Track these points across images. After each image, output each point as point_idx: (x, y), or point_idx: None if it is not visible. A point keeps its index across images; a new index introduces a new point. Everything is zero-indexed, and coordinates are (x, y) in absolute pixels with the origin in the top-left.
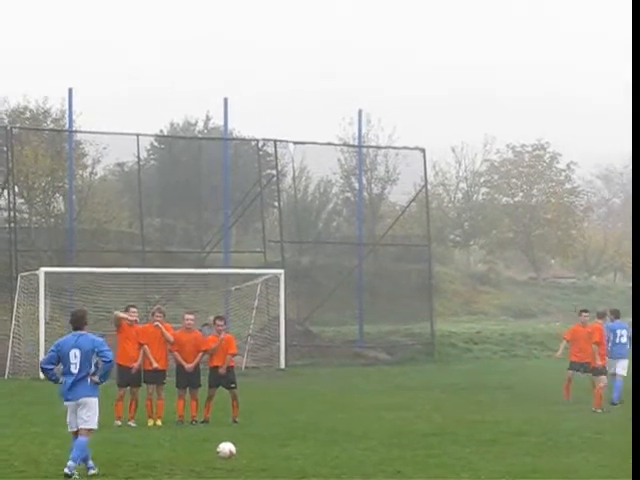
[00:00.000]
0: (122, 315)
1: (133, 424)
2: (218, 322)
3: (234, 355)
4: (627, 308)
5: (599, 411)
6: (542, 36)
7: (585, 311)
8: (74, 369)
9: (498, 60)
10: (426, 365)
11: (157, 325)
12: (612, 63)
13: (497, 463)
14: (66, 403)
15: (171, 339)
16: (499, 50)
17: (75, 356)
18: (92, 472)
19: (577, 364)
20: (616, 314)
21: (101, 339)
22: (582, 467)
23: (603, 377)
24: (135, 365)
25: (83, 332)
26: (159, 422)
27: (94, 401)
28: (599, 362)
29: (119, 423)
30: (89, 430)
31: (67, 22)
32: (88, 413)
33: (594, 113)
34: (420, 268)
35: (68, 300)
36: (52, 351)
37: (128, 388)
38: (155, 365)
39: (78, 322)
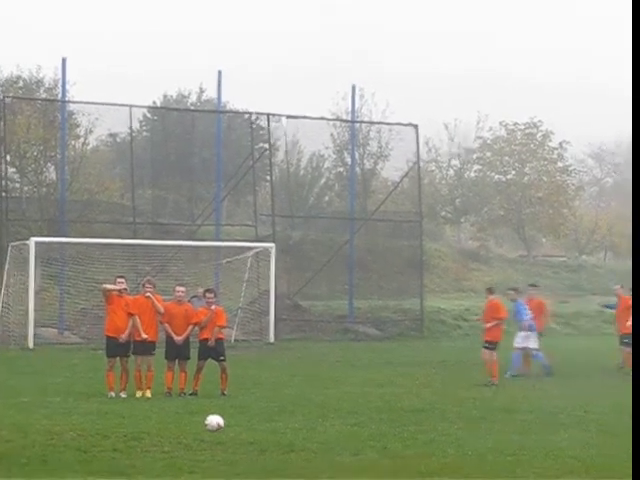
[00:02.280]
0: (108, 287)
1: (124, 395)
2: (208, 295)
3: (223, 327)
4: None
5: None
6: (536, 17)
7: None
8: None
9: (494, 38)
10: (415, 341)
11: (148, 296)
12: (605, 43)
13: (485, 440)
14: None
15: (161, 310)
16: (494, 27)
17: None
18: None
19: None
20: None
21: None
22: (568, 445)
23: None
24: (123, 336)
25: None
26: (148, 393)
27: None
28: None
29: (112, 394)
30: None
31: None
32: None
33: (587, 92)
34: (411, 244)
35: (58, 270)
36: None
37: (117, 359)
38: (144, 336)
39: None
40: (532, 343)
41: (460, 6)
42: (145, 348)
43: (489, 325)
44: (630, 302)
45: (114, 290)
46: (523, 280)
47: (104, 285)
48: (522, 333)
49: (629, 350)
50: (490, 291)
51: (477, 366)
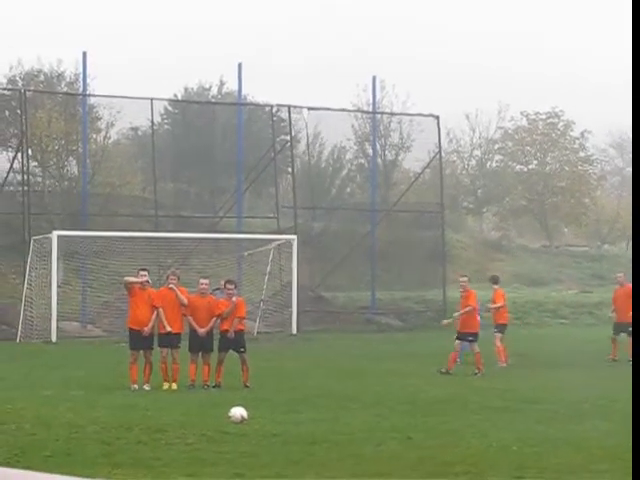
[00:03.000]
0: (131, 279)
1: (148, 387)
2: (228, 286)
3: (242, 318)
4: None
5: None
6: (558, 7)
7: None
8: None
9: (513, 28)
10: (438, 332)
11: (172, 287)
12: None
13: (508, 430)
14: None
15: (185, 301)
16: (514, 18)
17: None
18: None
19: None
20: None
21: None
22: (592, 435)
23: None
24: (146, 329)
25: None
26: (174, 386)
27: None
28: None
29: (135, 387)
30: None
31: None
32: None
33: (608, 82)
34: (433, 235)
35: (80, 263)
36: None
37: (141, 351)
38: (169, 329)
39: None
40: None
41: (479, 4)
42: (170, 340)
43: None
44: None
45: (136, 283)
46: (546, 271)
47: (126, 278)
48: None
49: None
50: (495, 280)
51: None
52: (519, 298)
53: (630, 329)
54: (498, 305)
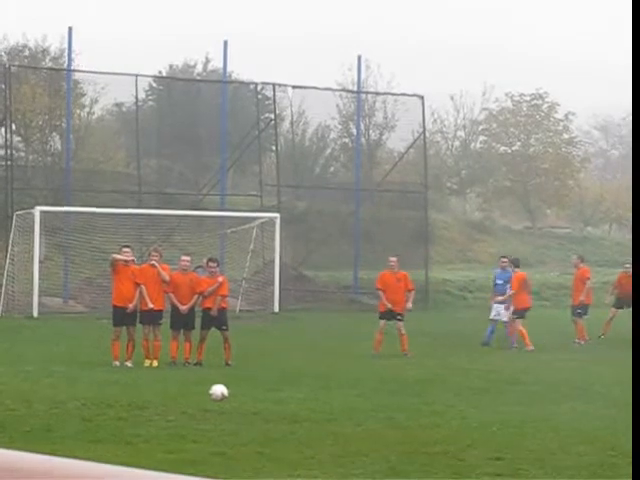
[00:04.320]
0: (118, 257)
1: (130, 364)
2: (211, 264)
3: (225, 296)
4: (622, 259)
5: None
6: None
7: (393, 256)
8: None
9: (500, 8)
10: (420, 312)
11: (153, 264)
12: (612, 16)
13: (488, 411)
14: None
15: (167, 278)
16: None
17: None
18: None
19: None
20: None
21: None
22: (571, 417)
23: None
24: (131, 305)
25: None
26: (155, 363)
27: None
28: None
29: (117, 363)
30: None
31: None
32: None
33: (592, 64)
34: (416, 215)
35: (63, 239)
36: None
37: (124, 328)
38: (151, 305)
39: None
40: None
41: None
42: (152, 317)
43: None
44: (586, 274)
45: (120, 260)
46: (529, 252)
47: (113, 255)
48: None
49: (580, 321)
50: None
51: (482, 337)
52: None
53: (579, 311)
54: (511, 292)
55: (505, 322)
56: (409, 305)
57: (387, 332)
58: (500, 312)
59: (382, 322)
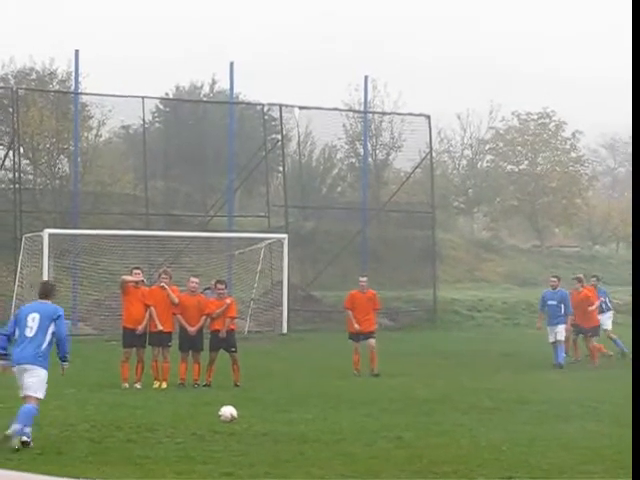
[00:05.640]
0: (128, 278)
1: (139, 386)
2: (219, 286)
3: (234, 318)
4: (629, 278)
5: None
6: (550, 6)
7: (363, 276)
8: (29, 332)
9: (506, 28)
10: (428, 332)
11: (163, 286)
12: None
13: (497, 431)
14: (17, 367)
15: (176, 300)
16: (507, 18)
17: (33, 320)
18: (25, 439)
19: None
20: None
21: (62, 310)
22: (581, 436)
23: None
24: (140, 327)
25: (47, 301)
26: (164, 385)
27: (43, 372)
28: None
29: (126, 385)
30: (36, 398)
31: None
32: (33, 380)
33: (600, 82)
34: (424, 234)
35: (71, 262)
36: (13, 316)
37: (134, 350)
38: (160, 327)
39: (45, 292)
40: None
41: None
42: (161, 339)
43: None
44: (587, 293)
45: (130, 281)
46: (537, 271)
47: (123, 277)
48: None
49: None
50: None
51: (490, 357)
52: (510, 298)
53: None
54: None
55: (560, 340)
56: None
57: (401, 351)
58: (558, 331)
59: (353, 344)
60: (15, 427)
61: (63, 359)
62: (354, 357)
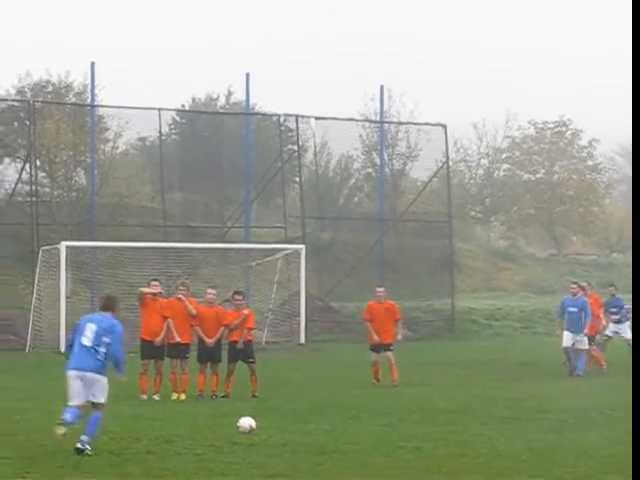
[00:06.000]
0: (146, 290)
1: (157, 398)
2: (237, 297)
3: (251, 329)
4: None
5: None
6: (569, 15)
7: (380, 286)
8: (86, 341)
9: (522, 37)
10: (447, 341)
11: (180, 298)
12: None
13: (517, 440)
14: (71, 373)
15: (193, 312)
16: (523, 26)
17: (90, 330)
18: (84, 447)
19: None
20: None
21: (120, 327)
22: (600, 444)
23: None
24: (158, 339)
25: (107, 314)
26: (183, 396)
27: (104, 380)
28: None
29: (144, 397)
30: (102, 405)
31: None
32: (99, 388)
33: (616, 90)
34: (441, 244)
35: (89, 274)
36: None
37: (152, 361)
38: (178, 339)
39: (107, 305)
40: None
41: (485, 8)
42: (179, 351)
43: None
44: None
45: (148, 293)
46: (554, 279)
47: (141, 289)
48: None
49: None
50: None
51: (509, 366)
52: (527, 307)
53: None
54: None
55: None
56: (399, 337)
57: (419, 361)
58: (581, 340)
59: (374, 355)
60: (83, 438)
61: (118, 371)
62: (374, 368)
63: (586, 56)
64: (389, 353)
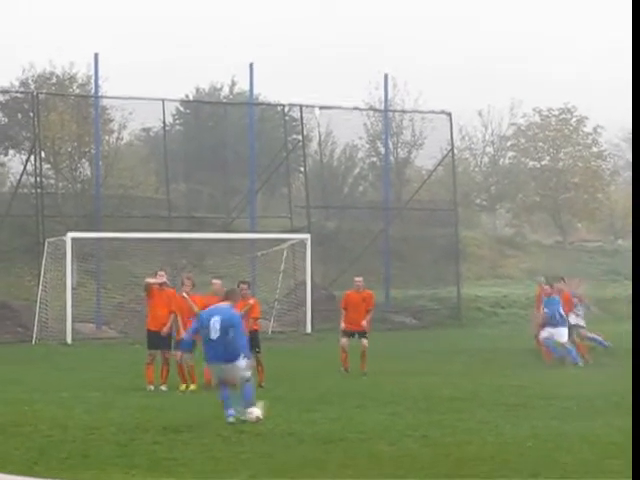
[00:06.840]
0: (151, 281)
1: (165, 388)
2: (242, 286)
3: (257, 319)
4: None
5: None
6: (572, 3)
7: (358, 276)
8: (214, 334)
9: (525, 24)
10: (453, 329)
11: (184, 296)
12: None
13: (523, 427)
14: (210, 365)
15: (197, 310)
16: (526, 14)
17: (215, 323)
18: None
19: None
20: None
21: (238, 317)
22: (606, 432)
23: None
24: (165, 329)
25: (227, 304)
26: (192, 387)
27: (238, 362)
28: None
29: (151, 387)
30: (247, 379)
31: None
32: (238, 370)
33: (620, 76)
34: (446, 232)
35: (95, 265)
36: (195, 321)
37: (158, 352)
38: (184, 335)
39: (227, 296)
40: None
41: None
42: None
43: None
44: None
45: (155, 284)
46: (560, 266)
47: (147, 280)
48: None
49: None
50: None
51: (515, 353)
52: (533, 294)
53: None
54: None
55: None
56: (364, 323)
57: (425, 349)
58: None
59: (343, 340)
60: (250, 410)
61: (244, 355)
62: (342, 354)
63: (591, 43)
64: (364, 340)
